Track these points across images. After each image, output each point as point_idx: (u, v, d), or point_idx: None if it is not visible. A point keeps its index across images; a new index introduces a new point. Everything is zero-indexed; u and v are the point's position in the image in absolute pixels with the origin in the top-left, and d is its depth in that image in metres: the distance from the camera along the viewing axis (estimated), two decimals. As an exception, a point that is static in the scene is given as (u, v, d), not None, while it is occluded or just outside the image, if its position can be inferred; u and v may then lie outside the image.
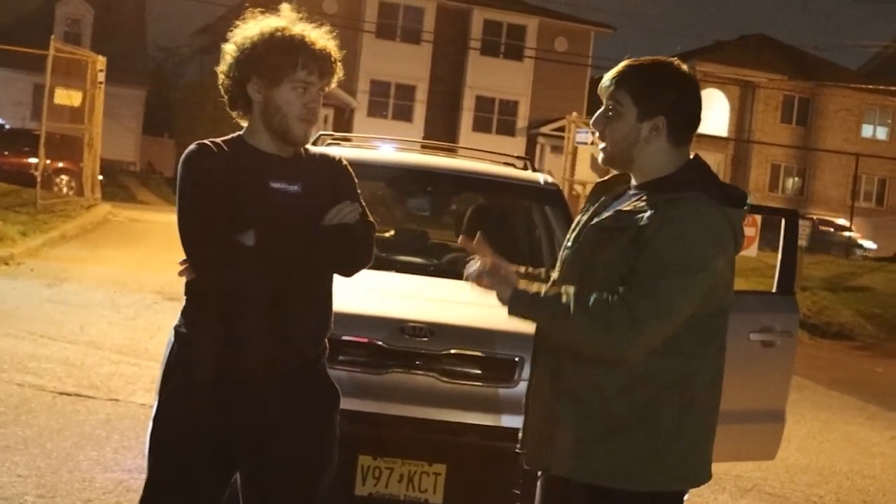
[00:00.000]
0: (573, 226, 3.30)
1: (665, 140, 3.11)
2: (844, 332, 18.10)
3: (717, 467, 7.36)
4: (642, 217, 2.99)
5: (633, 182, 3.20)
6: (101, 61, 24.96)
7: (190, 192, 3.25)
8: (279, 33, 3.27)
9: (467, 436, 4.71)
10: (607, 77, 3.15)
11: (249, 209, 3.23)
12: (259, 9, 3.41)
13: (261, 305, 3.24)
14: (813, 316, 18.19)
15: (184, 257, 3.28)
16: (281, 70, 3.24)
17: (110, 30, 45.46)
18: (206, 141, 3.35)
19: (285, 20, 3.33)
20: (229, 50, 3.33)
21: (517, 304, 3.07)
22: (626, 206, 3.08)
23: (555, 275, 3.27)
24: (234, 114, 3.41)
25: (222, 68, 3.35)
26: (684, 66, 3.16)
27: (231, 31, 3.37)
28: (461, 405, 4.73)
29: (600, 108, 3.17)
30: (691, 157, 3.17)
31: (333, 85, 3.39)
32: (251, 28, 3.32)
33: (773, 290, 5.79)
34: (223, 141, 3.36)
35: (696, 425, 3.12)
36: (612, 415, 3.02)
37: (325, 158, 3.49)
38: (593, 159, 35.72)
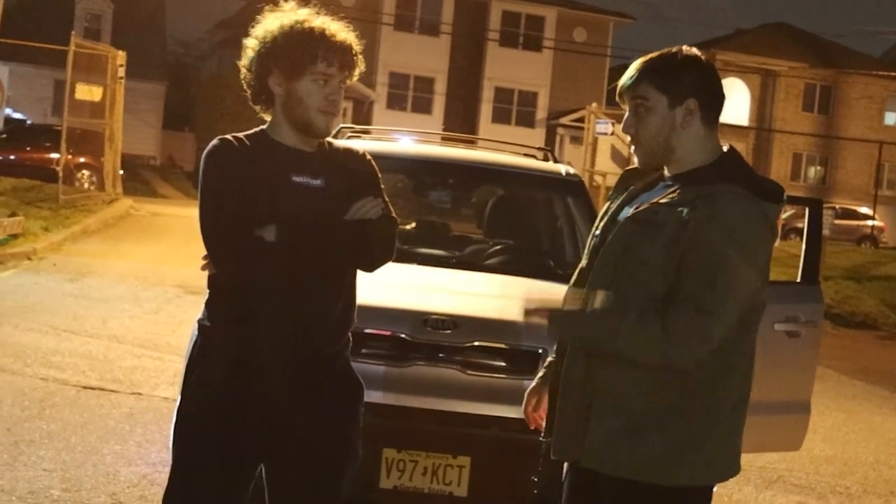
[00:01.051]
0: (602, 213, 3.29)
1: (699, 123, 3.11)
2: (868, 321, 18.00)
3: (742, 458, 7.34)
4: (682, 211, 2.96)
5: (667, 173, 3.17)
6: (121, 56, 25.03)
7: (211, 187, 3.25)
8: (299, 26, 3.26)
9: (491, 428, 4.70)
10: (625, 78, 3.14)
11: (271, 204, 3.21)
12: (278, 3, 3.41)
13: (282, 300, 3.23)
14: (836, 305, 18.09)
15: (206, 252, 3.29)
16: (301, 62, 3.24)
17: (130, 24, 45.58)
18: (227, 136, 3.34)
19: (305, 13, 3.32)
20: (250, 44, 3.33)
21: (564, 325, 3.12)
22: (662, 199, 3.04)
23: (583, 262, 3.24)
24: (256, 108, 3.40)
25: (244, 62, 3.35)
26: (694, 49, 3.16)
27: (252, 25, 3.37)
28: (485, 397, 4.72)
29: (624, 113, 3.16)
30: (725, 148, 3.15)
31: (355, 78, 3.38)
32: (271, 22, 3.32)
33: (798, 279, 5.75)
34: (245, 135, 3.35)
35: (728, 419, 3.10)
36: (647, 409, 3.00)
37: (348, 152, 3.47)
38: (613, 150, 35.65)
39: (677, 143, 3.10)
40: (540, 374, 3.49)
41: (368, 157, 3.49)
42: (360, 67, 3.38)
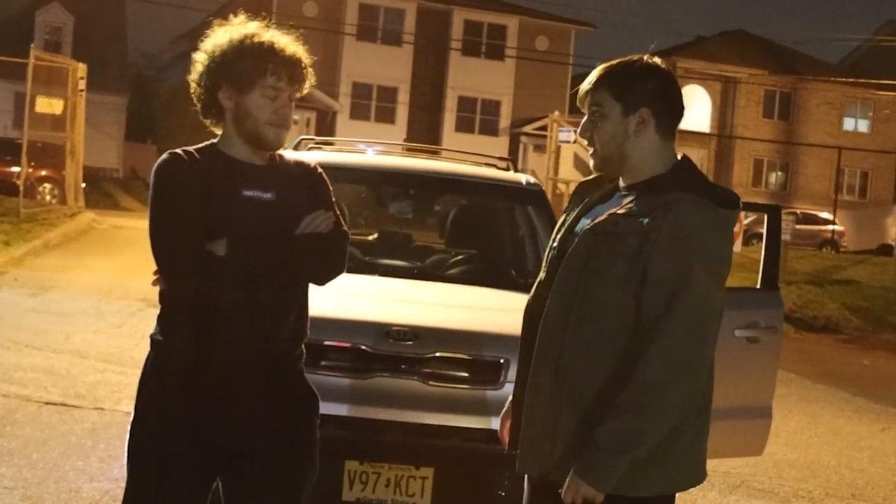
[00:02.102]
0: (558, 225, 3.29)
1: (654, 132, 3.11)
2: (830, 325, 18.14)
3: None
4: (642, 221, 2.96)
5: (622, 183, 3.17)
6: (82, 69, 24.88)
7: (160, 202, 3.24)
8: (248, 40, 3.27)
9: (454, 439, 4.71)
10: (584, 85, 3.16)
11: (221, 218, 3.21)
12: (227, 18, 3.41)
13: (233, 314, 3.22)
14: (798, 310, 18.23)
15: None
16: (251, 76, 3.24)
17: (91, 37, 45.36)
18: (178, 150, 3.33)
19: (254, 27, 3.32)
20: (199, 58, 3.34)
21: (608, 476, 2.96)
22: (620, 210, 3.04)
23: (541, 275, 3.24)
24: (206, 122, 3.41)
25: (193, 77, 3.36)
26: (656, 59, 3.17)
27: (201, 39, 3.36)
28: (447, 408, 4.73)
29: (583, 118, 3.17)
30: (679, 157, 3.16)
31: (306, 90, 3.39)
32: (220, 36, 3.32)
33: (758, 285, 5.79)
34: (196, 149, 3.35)
35: (693, 426, 3.11)
36: None
37: (299, 165, 3.47)
38: (576, 158, 35.74)
39: (631, 151, 3.11)
40: (508, 402, 3.45)
41: (319, 169, 3.49)
42: (311, 80, 3.38)
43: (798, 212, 38.51)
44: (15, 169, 24.43)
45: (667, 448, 3.02)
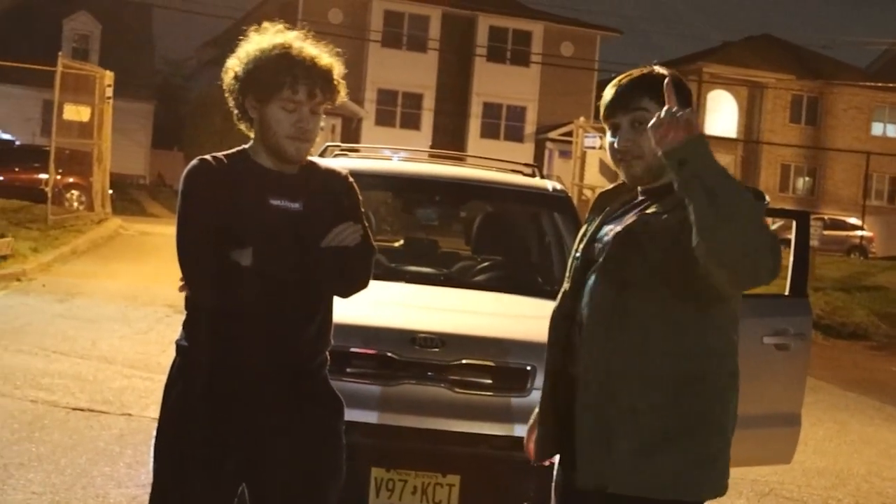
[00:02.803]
0: (580, 235, 3.28)
1: None
2: (859, 332, 18.01)
3: (733, 472, 7.31)
4: (673, 215, 2.94)
5: (640, 188, 3.17)
6: (109, 76, 25.03)
7: (187, 209, 3.24)
8: (273, 51, 3.24)
9: (480, 446, 4.70)
10: (615, 95, 3.12)
11: (248, 226, 3.20)
12: (264, 23, 3.38)
13: (256, 322, 3.22)
14: (826, 316, 18.11)
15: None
16: (269, 88, 3.22)
17: (118, 44, 45.61)
18: (207, 156, 3.33)
19: (286, 37, 3.29)
20: (231, 64, 3.32)
21: (699, 152, 2.77)
22: (647, 211, 3.05)
23: (566, 286, 3.23)
24: (242, 126, 3.39)
25: (226, 82, 3.34)
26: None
27: (236, 45, 3.35)
28: (474, 415, 4.72)
29: (619, 128, 3.11)
30: None
31: (337, 102, 3.35)
32: (252, 43, 3.30)
33: (786, 292, 5.77)
34: (226, 155, 3.34)
35: (733, 428, 3.13)
36: (666, 425, 2.97)
37: (330, 174, 3.44)
38: (602, 163, 35.67)
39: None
40: (533, 415, 3.42)
41: (350, 179, 3.46)
42: (340, 93, 3.34)
43: (826, 217, 38.29)
44: (43, 176, 24.56)
45: (717, 449, 3.04)
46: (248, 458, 3.27)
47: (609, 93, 3.16)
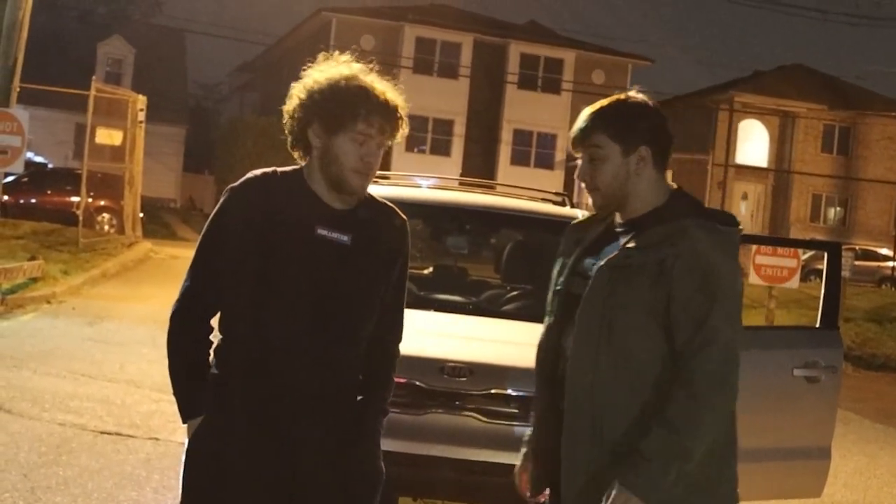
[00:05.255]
0: (557, 269, 3.34)
1: (651, 167, 3.18)
2: (890, 363, 17.84)
3: (762, 505, 7.19)
4: (658, 251, 3.02)
5: (620, 218, 3.23)
6: (142, 100, 25.22)
7: (207, 236, 3.26)
8: (346, 82, 3.20)
9: (508, 476, 4.66)
10: (577, 128, 3.21)
11: (286, 253, 3.17)
12: (333, 53, 3.34)
13: (291, 352, 3.17)
14: (857, 348, 17.97)
15: None
16: (342, 119, 3.17)
17: (151, 69, 46.01)
18: (258, 173, 3.29)
19: (355, 69, 3.26)
20: (296, 91, 3.26)
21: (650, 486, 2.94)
22: (629, 244, 3.11)
23: (549, 320, 3.30)
24: (294, 154, 3.33)
25: (288, 107, 3.28)
26: (641, 95, 3.26)
27: (304, 71, 3.29)
28: (502, 445, 4.69)
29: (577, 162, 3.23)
30: (674, 186, 3.25)
31: (398, 140, 3.30)
32: (321, 72, 3.26)
33: (817, 324, 5.72)
34: (283, 172, 3.30)
35: (732, 455, 3.17)
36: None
37: (386, 213, 3.37)
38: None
39: (632, 188, 3.17)
40: (523, 450, 3.47)
41: (403, 217, 3.40)
42: (404, 130, 3.29)
43: (857, 248, 38.05)
44: (75, 199, 24.75)
45: (721, 474, 3.09)
46: (284, 485, 3.23)
47: (574, 126, 3.24)
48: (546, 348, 3.26)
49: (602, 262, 3.10)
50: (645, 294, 3.00)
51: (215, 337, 3.34)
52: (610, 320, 3.03)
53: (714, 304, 2.97)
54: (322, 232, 3.20)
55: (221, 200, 3.26)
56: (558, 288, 3.26)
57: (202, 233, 3.29)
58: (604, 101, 3.22)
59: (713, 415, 2.96)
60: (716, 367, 2.95)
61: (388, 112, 3.22)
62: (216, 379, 3.28)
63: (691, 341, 2.96)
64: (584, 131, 3.18)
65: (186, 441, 3.35)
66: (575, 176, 3.28)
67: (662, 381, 3.00)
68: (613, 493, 2.92)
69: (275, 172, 3.30)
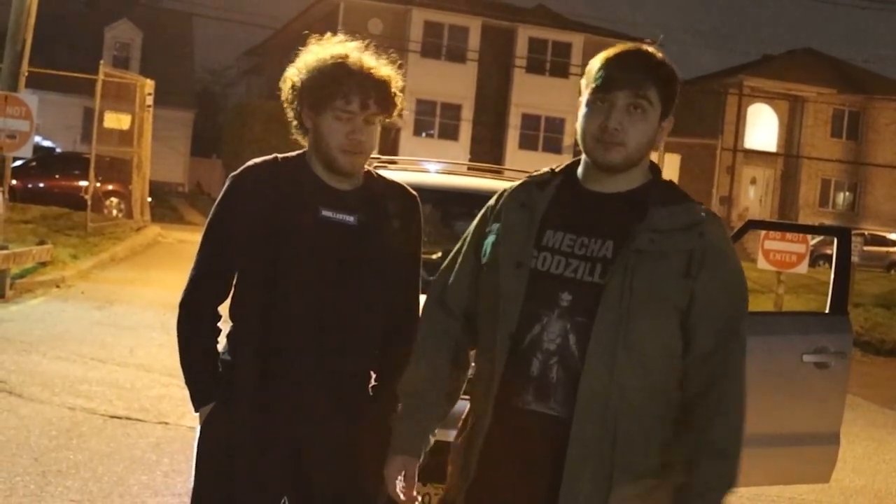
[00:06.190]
0: (503, 236, 2.85)
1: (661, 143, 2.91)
2: (899, 348, 17.83)
3: (770, 490, 7.26)
4: (688, 240, 2.70)
5: (605, 188, 2.82)
6: (150, 84, 25.24)
7: (212, 225, 3.27)
8: (329, 60, 3.18)
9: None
10: (625, 71, 2.76)
11: (291, 236, 3.15)
12: (327, 34, 3.33)
13: (303, 335, 3.16)
14: (866, 333, 17.94)
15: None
16: (322, 98, 3.16)
17: (158, 53, 46.01)
18: (260, 160, 3.28)
19: (346, 48, 3.23)
20: (289, 74, 3.26)
21: None
22: (652, 226, 2.71)
23: (506, 306, 2.76)
24: (299, 137, 3.33)
25: (284, 92, 3.28)
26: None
27: (295, 55, 3.28)
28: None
29: (613, 107, 2.75)
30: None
31: (393, 116, 3.27)
32: (311, 54, 3.24)
33: (826, 310, 5.72)
34: (284, 158, 3.29)
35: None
36: (659, 464, 2.75)
37: (393, 188, 3.35)
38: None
39: (646, 157, 2.84)
40: (423, 446, 3.07)
41: (414, 194, 3.37)
42: (396, 105, 3.26)
43: (866, 233, 37.99)
44: (83, 183, 24.80)
45: None
46: (293, 472, 3.21)
47: (611, 64, 2.79)
48: (503, 338, 2.76)
49: (631, 247, 2.68)
50: (671, 287, 2.67)
51: (224, 324, 3.33)
52: (629, 313, 2.65)
53: (741, 309, 2.76)
54: (326, 213, 3.18)
55: (224, 188, 3.25)
56: (519, 261, 2.76)
57: (207, 221, 3.29)
58: (652, 51, 2.82)
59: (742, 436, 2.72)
60: (742, 383, 2.73)
61: (368, 87, 3.16)
62: (228, 365, 3.28)
63: (718, 352, 2.70)
64: (637, 77, 2.74)
65: (198, 429, 3.35)
66: (599, 124, 2.75)
67: (673, 388, 2.72)
68: None
69: (275, 159, 3.29)
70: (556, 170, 2.99)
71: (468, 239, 3.04)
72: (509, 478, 2.78)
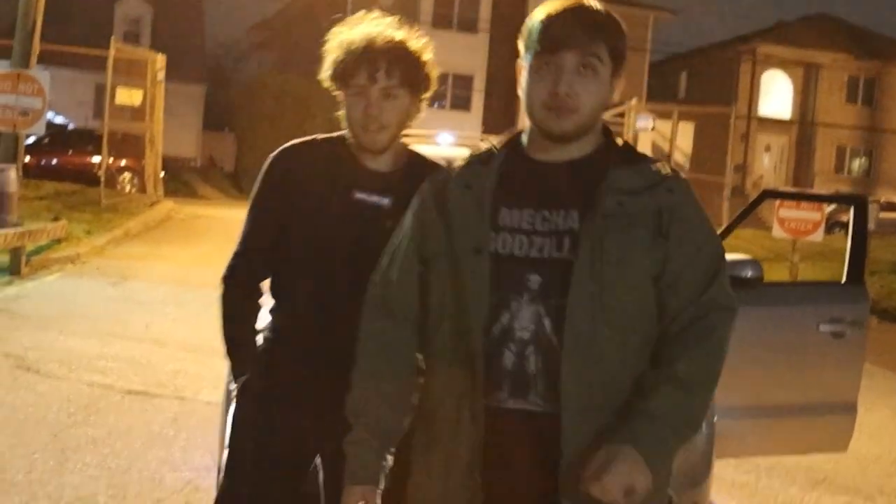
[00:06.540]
0: (454, 222, 2.59)
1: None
2: (915, 316, 17.77)
3: (787, 459, 7.25)
4: (655, 197, 2.52)
5: (556, 156, 2.58)
6: (161, 59, 25.24)
7: (253, 204, 3.26)
8: (348, 36, 3.14)
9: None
10: (568, 27, 2.52)
11: (325, 217, 3.13)
12: (333, 7, 3.28)
13: (330, 314, 3.13)
14: (882, 300, 17.87)
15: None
16: (342, 75, 3.13)
17: (169, 27, 45.92)
18: (297, 142, 3.27)
19: (374, 25, 3.18)
20: (326, 59, 3.22)
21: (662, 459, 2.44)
22: (616, 187, 2.50)
23: (473, 284, 2.51)
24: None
25: (324, 79, 3.23)
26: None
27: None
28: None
29: (562, 70, 2.51)
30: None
31: (421, 88, 3.24)
32: (340, 33, 3.19)
33: (843, 279, 5.70)
34: (324, 139, 3.26)
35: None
36: None
37: (431, 170, 3.12)
38: (654, 145, 35.33)
39: (599, 120, 2.63)
40: (382, 471, 2.68)
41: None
42: (418, 74, 3.23)
43: (882, 200, 37.84)
44: (96, 159, 24.85)
45: None
46: (326, 431, 3.06)
47: (553, 22, 2.54)
48: (465, 329, 2.51)
49: (598, 213, 2.47)
50: (643, 248, 2.48)
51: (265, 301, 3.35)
52: (605, 285, 2.44)
53: (720, 264, 2.56)
54: (360, 195, 3.14)
55: (263, 168, 3.25)
56: (476, 247, 2.50)
57: (250, 199, 3.30)
58: (595, 4, 2.59)
59: (716, 383, 2.51)
60: (727, 333, 2.52)
61: (375, 56, 3.08)
62: (269, 341, 3.29)
63: (701, 301, 2.50)
64: (585, 35, 2.51)
65: (234, 404, 3.32)
66: (548, 90, 2.51)
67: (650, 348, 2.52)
68: (618, 456, 2.33)
69: (314, 140, 3.27)
70: (498, 145, 2.71)
71: (406, 232, 2.72)
72: (493, 488, 2.50)
